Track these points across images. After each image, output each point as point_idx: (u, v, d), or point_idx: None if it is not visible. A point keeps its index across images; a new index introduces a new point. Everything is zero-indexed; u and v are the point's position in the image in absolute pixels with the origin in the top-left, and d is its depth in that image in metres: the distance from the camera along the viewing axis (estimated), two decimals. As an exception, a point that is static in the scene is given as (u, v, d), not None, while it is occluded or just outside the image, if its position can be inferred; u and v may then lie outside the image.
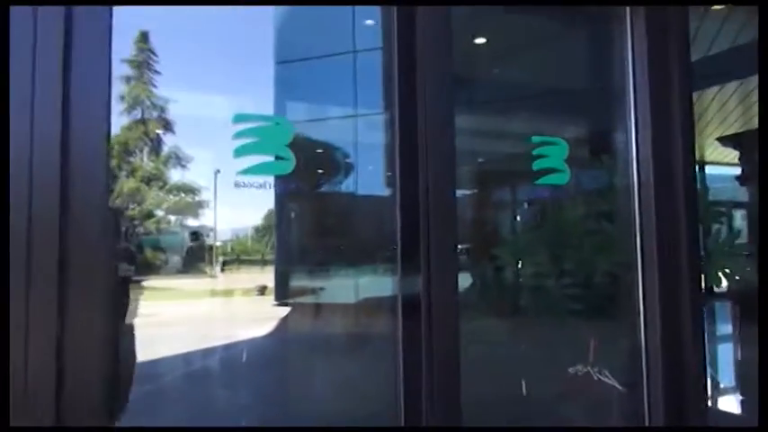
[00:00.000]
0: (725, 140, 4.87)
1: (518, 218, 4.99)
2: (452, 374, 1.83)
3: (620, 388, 2.70)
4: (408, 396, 1.83)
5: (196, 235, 7.26)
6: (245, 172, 1.80)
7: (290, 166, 1.84)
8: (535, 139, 2.38)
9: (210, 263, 8.66)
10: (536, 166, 2.37)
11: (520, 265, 3.40)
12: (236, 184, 1.84)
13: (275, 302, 6.66)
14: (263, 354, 5.52)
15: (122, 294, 3.30)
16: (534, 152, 2.35)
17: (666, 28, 2.29)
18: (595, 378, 2.78)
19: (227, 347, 5.33)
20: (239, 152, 1.77)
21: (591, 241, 2.98)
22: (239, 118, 1.78)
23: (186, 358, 4.97)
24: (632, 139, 2.30)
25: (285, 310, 6.63)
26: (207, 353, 5.15)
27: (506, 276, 3.46)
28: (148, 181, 8.77)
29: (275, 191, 7.26)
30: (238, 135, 1.76)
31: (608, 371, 2.78)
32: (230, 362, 5.10)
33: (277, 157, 1.82)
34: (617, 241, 2.74)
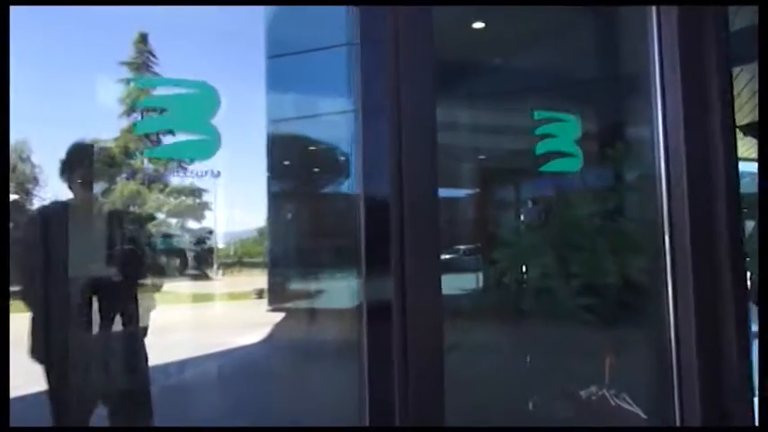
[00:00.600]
0: (746, 129, 4.30)
1: (519, 216, 4.43)
2: (431, 390, 1.54)
3: (643, 416, 2.18)
4: (375, 415, 1.54)
5: (169, 236, 6.83)
6: (151, 154, 1.30)
7: (213, 148, 1.34)
8: (538, 114, 1.85)
9: (211, 265, 8.34)
10: (540, 148, 1.84)
11: (523, 270, 2.88)
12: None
13: (269, 308, 6.18)
14: (252, 363, 5.05)
15: (132, 300, 2.86)
16: (537, 131, 1.83)
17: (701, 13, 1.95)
18: (612, 403, 2.26)
19: (216, 356, 4.86)
20: (141, 128, 1.28)
21: (605, 242, 2.47)
22: (145, 84, 1.28)
23: (177, 368, 4.51)
24: (659, 131, 1.93)
25: (279, 316, 6.15)
26: (196, 362, 4.68)
27: (506, 282, 2.93)
28: (149, 183, 8.42)
29: (267, 189, 6.86)
30: (144, 105, 1.28)
31: (628, 394, 2.26)
32: (215, 373, 4.63)
33: (198, 136, 1.33)
34: (639, 243, 2.24)
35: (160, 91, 1.29)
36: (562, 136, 1.84)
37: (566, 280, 2.62)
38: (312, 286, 6.24)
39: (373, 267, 1.52)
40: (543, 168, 1.83)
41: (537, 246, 2.77)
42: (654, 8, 1.96)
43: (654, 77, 1.93)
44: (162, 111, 1.29)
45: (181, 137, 1.30)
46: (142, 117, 1.30)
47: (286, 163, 6.38)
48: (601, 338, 2.58)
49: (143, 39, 8.75)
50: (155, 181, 8.37)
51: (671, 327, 1.92)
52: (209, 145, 1.33)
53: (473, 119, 4.63)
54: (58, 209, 2.73)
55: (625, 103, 2.77)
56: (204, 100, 1.34)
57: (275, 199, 6.45)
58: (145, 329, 2.88)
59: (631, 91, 2.26)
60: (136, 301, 2.88)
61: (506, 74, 4.25)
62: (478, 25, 4.08)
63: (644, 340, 2.36)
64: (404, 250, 1.49)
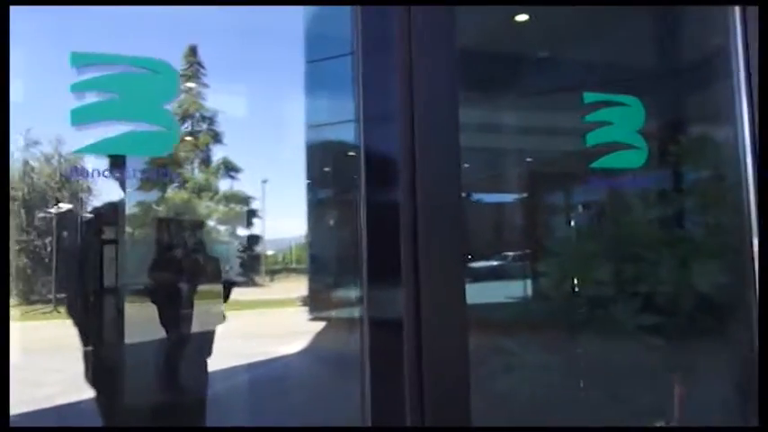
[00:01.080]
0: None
1: (569, 221, 3.93)
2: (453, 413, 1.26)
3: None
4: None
5: (220, 244, 6.67)
6: (83, 150, 1.00)
7: (168, 141, 1.03)
8: (589, 97, 1.45)
9: (260, 272, 8.32)
10: (592, 139, 1.43)
11: (574, 282, 2.46)
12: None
13: (310, 317, 5.91)
14: (289, 375, 4.79)
15: (191, 307, 2.71)
16: (588, 118, 1.43)
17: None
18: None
19: (255, 366, 4.62)
20: (77, 118, 0.97)
21: (674, 253, 2.04)
22: (79, 60, 0.98)
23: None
24: (745, 128, 1.63)
25: (321, 326, 5.87)
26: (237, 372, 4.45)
27: (554, 294, 2.51)
28: (199, 191, 8.42)
29: (308, 195, 6.63)
30: (76, 88, 0.97)
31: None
32: (253, 383, 4.38)
33: (149, 126, 1.02)
34: (716, 252, 1.81)
35: (106, 70, 0.99)
36: (621, 123, 1.43)
37: (624, 295, 2.20)
38: (354, 294, 5.96)
39: (377, 278, 1.28)
40: (597, 164, 1.43)
41: (589, 255, 2.35)
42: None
43: (738, 74, 1.65)
44: (106, 94, 0.98)
45: (127, 127, 1.00)
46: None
47: (326, 169, 6.12)
48: (668, 364, 2.14)
49: (193, 51, 8.71)
50: (204, 189, 8.33)
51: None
52: (162, 138, 1.02)
53: (519, 119, 4.22)
54: (110, 215, 2.59)
55: (696, 95, 2.36)
56: (158, 82, 1.03)
57: (316, 205, 6.21)
58: (209, 336, 2.72)
59: (704, 84, 1.91)
60: (193, 308, 2.72)
61: (557, 67, 3.82)
62: (522, 18, 3.69)
63: (723, 366, 1.94)
64: (417, 259, 1.24)
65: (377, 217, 1.23)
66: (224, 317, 3.08)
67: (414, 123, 1.28)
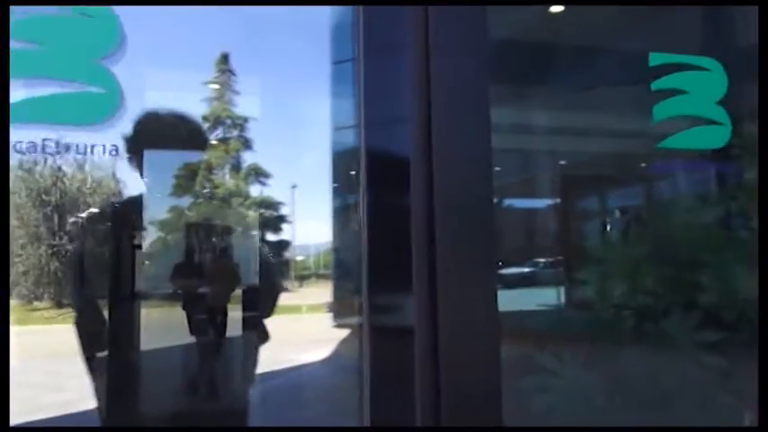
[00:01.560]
0: None
1: (612, 222, 3.49)
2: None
3: None
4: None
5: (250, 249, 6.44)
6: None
7: (108, 104, 0.75)
8: (655, 58, 1.12)
9: (290, 278, 8.16)
10: (659, 113, 1.10)
11: (616, 293, 2.11)
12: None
13: (335, 324, 5.61)
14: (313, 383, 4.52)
15: (224, 314, 2.42)
16: (655, 85, 1.11)
17: None
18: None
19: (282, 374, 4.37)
20: None
21: (736, 259, 1.69)
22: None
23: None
24: None
25: (345, 332, 5.60)
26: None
27: (595, 306, 2.17)
28: (230, 197, 8.34)
29: (333, 199, 6.40)
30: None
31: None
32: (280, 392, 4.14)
33: (83, 87, 0.75)
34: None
35: (25, 14, 0.73)
36: (698, 92, 1.11)
37: (679, 307, 1.86)
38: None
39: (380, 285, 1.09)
40: (668, 144, 1.10)
41: (637, 261, 2.01)
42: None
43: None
44: (23, 43, 0.72)
45: (54, 87, 0.73)
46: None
47: (353, 172, 5.86)
48: (732, 385, 1.79)
49: (224, 59, 8.57)
50: (235, 195, 8.19)
51: None
52: (98, 101, 0.75)
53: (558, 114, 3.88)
54: (133, 220, 2.34)
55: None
56: (91, 28, 0.76)
57: (341, 209, 5.93)
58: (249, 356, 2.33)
59: None
60: (226, 315, 2.46)
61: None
62: (557, 9, 3.36)
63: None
64: (435, 264, 1.02)
65: (380, 222, 1.06)
66: (267, 335, 2.64)
67: (430, 123, 1.04)
